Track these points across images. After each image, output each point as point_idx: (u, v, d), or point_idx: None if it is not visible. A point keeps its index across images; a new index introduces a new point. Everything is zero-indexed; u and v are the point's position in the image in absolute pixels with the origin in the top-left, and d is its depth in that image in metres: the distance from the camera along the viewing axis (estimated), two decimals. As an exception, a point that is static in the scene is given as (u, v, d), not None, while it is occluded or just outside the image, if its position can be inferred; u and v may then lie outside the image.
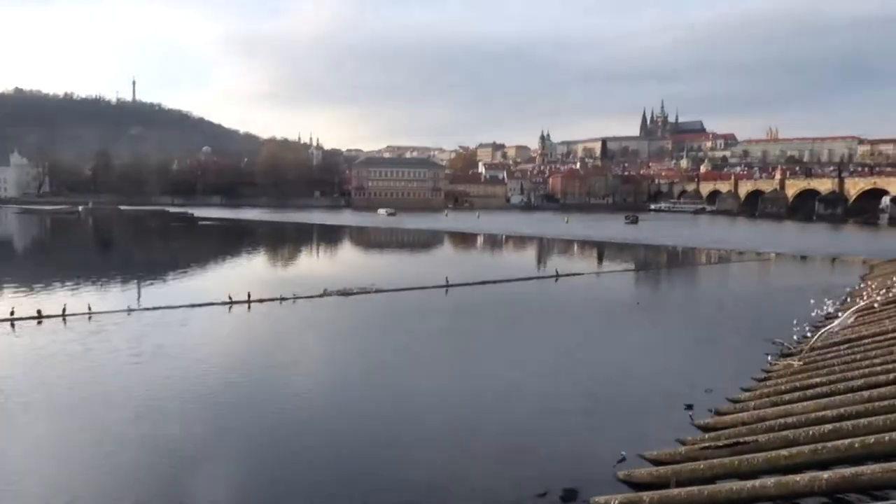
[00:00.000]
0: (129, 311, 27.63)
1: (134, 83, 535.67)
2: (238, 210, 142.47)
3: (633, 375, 19.21)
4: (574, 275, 43.45)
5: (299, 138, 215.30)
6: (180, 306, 28.98)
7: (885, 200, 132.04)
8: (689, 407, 15.73)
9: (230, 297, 30.31)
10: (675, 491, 10.45)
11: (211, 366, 19.34)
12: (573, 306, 32.41)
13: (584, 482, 11.46)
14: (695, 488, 10.29)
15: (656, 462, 12.51)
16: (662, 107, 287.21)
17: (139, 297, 31.94)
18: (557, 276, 42.18)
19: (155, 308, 28.27)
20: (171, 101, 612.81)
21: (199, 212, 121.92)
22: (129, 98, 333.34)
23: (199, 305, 29.50)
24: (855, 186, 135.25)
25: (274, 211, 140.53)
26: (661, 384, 18.01)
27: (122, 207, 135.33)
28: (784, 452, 10.73)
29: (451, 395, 17.11)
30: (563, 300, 34.99)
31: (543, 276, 42.83)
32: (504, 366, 20.06)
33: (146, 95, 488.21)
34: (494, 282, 38.64)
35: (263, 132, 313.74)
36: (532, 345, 23.26)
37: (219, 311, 29.05)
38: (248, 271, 45.85)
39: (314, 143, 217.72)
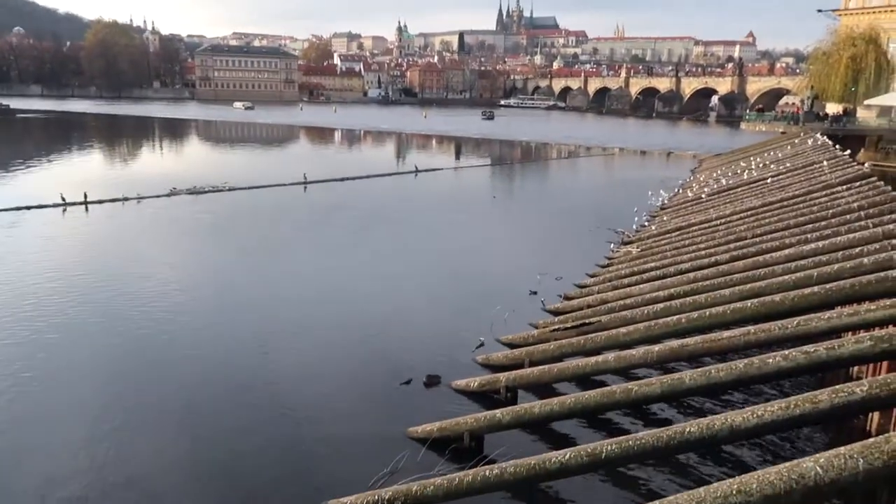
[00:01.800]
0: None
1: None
2: (64, 101, 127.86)
3: (489, 266, 20.10)
4: (433, 170, 43.87)
5: (131, 21, 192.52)
6: (4, 209, 26.11)
7: (714, 99, 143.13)
8: (535, 293, 16.76)
9: (63, 198, 27.65)
10: (528, 370, 11.30)
11: (43, 272, 17.81)
12: (432, 201, 32.89)
13: (445, 368, 12.05)
14: (545, 366, 11.17)
15: (511, 345, 13.40)
16: (518, 1, 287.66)
17: (-49, 200, 28.31)
18: (417, 171, 42.40)
19: (-27, 212, 25.29)
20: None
21: (16, 103, 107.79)
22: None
23: (28, 208, 26.72)
24: (689, 86, 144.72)
25: (107, 103, 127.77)
26: (515, 273, 19.01)
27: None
28: (623, 330, 11.83)
29: (309, 291, 17.04)
30: (422, 195, 35.41)
31: (403, 172, 42.86)
32: (364, 261, 20.19)
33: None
34: (354, 178, 38.16)
35: (87, 12, 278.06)
36: (391, 239, 23.49)
37: (51, 213, 26.50)
38: (83, 170, 41.72)
39: (149, 27, 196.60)
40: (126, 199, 29.39)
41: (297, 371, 12.04)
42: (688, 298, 12.60)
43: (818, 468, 5.66)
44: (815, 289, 10.25)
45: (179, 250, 21.80)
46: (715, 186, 29.23)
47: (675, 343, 10.28)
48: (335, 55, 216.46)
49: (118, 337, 13.48)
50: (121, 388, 11.18)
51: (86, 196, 28.28)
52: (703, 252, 16.89)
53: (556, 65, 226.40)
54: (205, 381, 11.49)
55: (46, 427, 9.84)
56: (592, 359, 10.88)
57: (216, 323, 14.48)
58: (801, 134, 38.03)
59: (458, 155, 61.02)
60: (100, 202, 28.50)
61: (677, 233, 21.15)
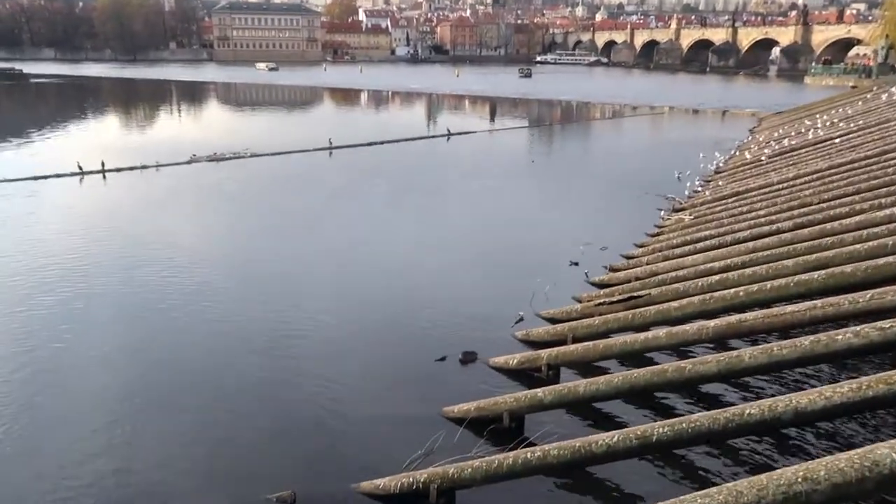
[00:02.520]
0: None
1: None
2: (78, 65, 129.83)
3: (529, 236, 19.96)
4: (466, 133, 43.61)
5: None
6: (20, 179, 26.74)
7: (775, 52, 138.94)
8: (577, 265, 16.63)
9: (80, 167, 28.21)
10: (571, 347, 11.22)
11: (64, 241, 18.24)
12: (465, 166, 32.70)
13: (482, 345, 12.04)
14: (590, 343, 11.07)
15: (553, 320, 13.32)
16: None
17: (-34, 169, 29.09)
18: (449, 134, 42.16)
19: (-12, 182, 25.96)
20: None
21: (29, 67, 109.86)
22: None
23: (45, 177, 27.33)
24: (747, 37, 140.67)
25: (123, 66, 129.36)
26: (556, 243, 18.85)
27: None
28: (675, 304, 11.66)
29: (337, 263, 17.16)
30: (456, 160, 35.23)
31: (434, 136, 42.68)
32: (395, 231, 20.24)
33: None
34: (382, 142, 38.14)
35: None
36: (423, 208, 23.49)
37: (69, 182, 27.08)
38: (100, 137, 42.52)
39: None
40: (144, 167, 29.86)
41: (325, 347, 12.16)
42: (746, 270, 12.36)
43: (894, 455, 5.51)
44: (891, 259, 9.94)
45: (201, 220, 22.11)
46: (776, 147, 28.49)
47: (732, 318, 10.09)
48: (360, 11, 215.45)
49: (142, 309, 13.76)
50: (144, 363, 11.43)
51: (103, 164, 28.80)
52: (762, 220, 16.54)
53: (599, 17, 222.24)
54: (230, 357, 11.69)
55: (68, 400, 10.12)
56: (641, 335, 10.74)
57: (241, 296, 14.67)
58: (874, 88, 36.75)
59: (493, 116, 60.49)
60: (118, 170, 29.01)
61: (734, 199, 20.72)
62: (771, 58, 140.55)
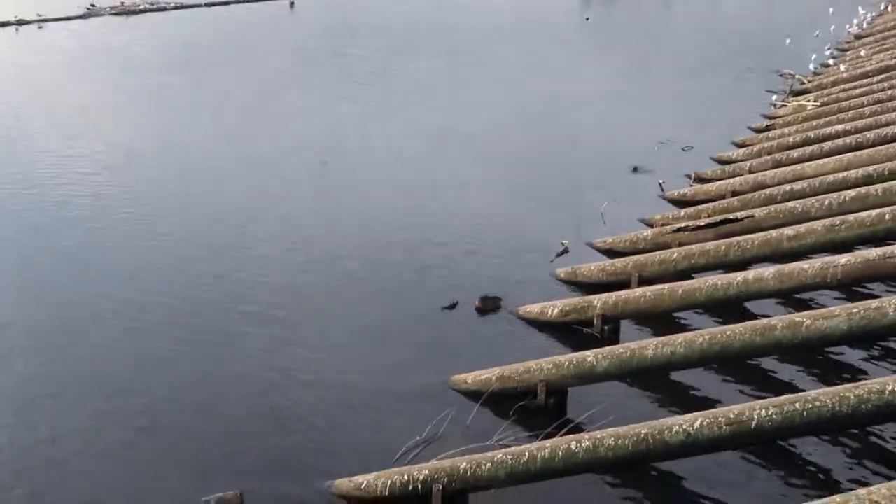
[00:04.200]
0: None
1: None
2: None
3: (576, 128, 19.73)
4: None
5: None
6: None
7: None
8: (644, 171, 16.48)
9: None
10: (637, 291, 11.15)
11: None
12: (492, 22, 32.16)
13: (509, 286, 12.09)
14: (665, 286, 10.97)
15: (612, 252, 13.26)
16: None
17: None
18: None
19: None
20: None
21: None
22: None
23: None
24: None
25: None
26: (616, 140, 18.69)
27: None
28: (789, 231, 11.48)
29: (307, 170, 17.20)
30: (478, 12, 34.57)
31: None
32: (389, 117, 20.11)
33: None
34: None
35: None
36: (430, 84, 23.27)
37: None
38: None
39: None
40: (22, 22, 29.46)
41: (287, 293, 12.18)
42: (896, 183, 12.19)
43: None
44: None
45: (105, 104, 21.90)
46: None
47: (872, 253, 9.95)
48: None
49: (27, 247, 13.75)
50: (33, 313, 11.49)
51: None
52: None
53: None
54: (155, 310, 11.68)
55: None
56: (739, 275, 10.63)
57: (164, 220, 14.63)
58: None
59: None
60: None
61: (883, 77, 20.29)
62: None
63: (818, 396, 7.37)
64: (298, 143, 18.48)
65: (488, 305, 11.67)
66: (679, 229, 13.07)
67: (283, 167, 17.11)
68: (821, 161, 15.00)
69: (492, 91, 22.91)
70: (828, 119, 18.08)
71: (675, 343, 9.20)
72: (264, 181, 16.32)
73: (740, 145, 18.18)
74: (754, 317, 10.44)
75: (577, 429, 8.53)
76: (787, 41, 25.57)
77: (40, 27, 29.40)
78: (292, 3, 34.20)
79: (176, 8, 33.01)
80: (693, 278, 11.40)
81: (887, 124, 15.83)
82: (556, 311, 11.27)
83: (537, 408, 9.23)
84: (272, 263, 12.89)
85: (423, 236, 13.89)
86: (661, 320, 10.97)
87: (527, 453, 7.72)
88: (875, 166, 13.48)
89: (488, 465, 7.73)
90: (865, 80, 20.49)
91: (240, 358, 10.44)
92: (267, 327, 11.06)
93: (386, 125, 19.64)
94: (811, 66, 23.87)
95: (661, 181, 15.96)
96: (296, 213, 14.78)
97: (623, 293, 11.25)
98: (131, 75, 24.14)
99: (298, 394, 9.77)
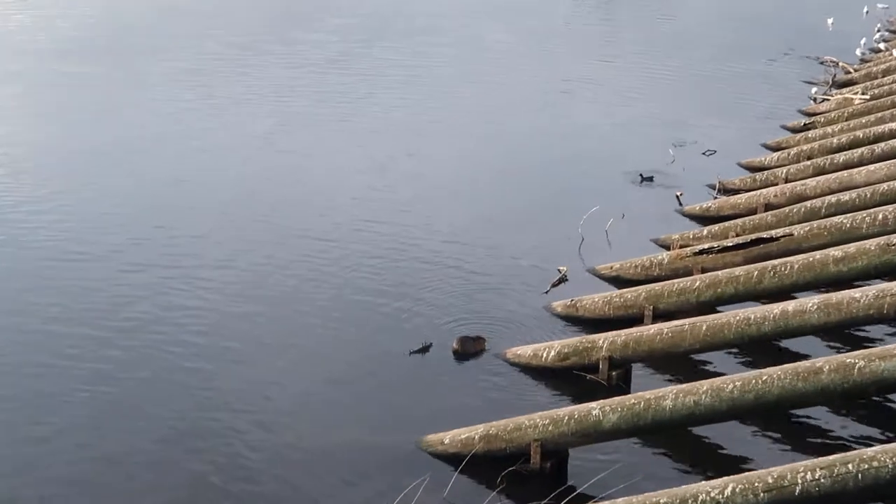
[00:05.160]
0: None
1: None
2: None
3: (580, 131, 19.95)
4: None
5: None
6: None
7: None
8: (648, 179, 16.64)
9: None
10: (651, 329, 11.14)
11: None
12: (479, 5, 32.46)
13: (495, 324, 12.20)
14: (685, 322, 10.97)
15: (619, 281, 13.31)
16: None
17: None
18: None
19: None
20: None
21: None
22: None
23: None
24: None
25: None
26: (624, 142, 18.85)
27: None
28: (836, 253, 11.52)
29: (245, 178, 17.20)
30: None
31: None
32: (356, 114, 20.30)
33: None
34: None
35: None
36: (397, 77, 23.73)
37: None
38: None
39: None
40: None
41: (223, 332, 12.12)
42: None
43: None
44: None
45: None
46: None
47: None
48: None
49: None
50: None
51: None
52: None
53: None
54: (64, 359, 11.60)
55: None
56: (776, 307, 10.64)
57: (83, 240, 14.59)
58: None
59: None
60: None
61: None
62: None
63: (876, 455, 7.36)
64: (241, 149, 18.50)
65: (469, 348, 11.64)
66: (701, 251, 13.11)
67: (223, 175, 17.13)
68: (872, 167, 15.06)
69: (474, 83, 23.08)
70: (880, 115, 18.15)
71: (699, 391, 9.18)
72: (197, 192, 16.33)
73: (774, 148, 18.29)
74: (796, 358, 10.44)
75: (580, 499, 8.50)
76: (830, 21, 25.72)
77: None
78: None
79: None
80: (719, 311, 11.42)
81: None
82: (552, 353, 11.25)
83: (531, 473, 9.19)
84: (209, 293, 12.84)
85: (390, 262, 13.89)
86: (681, 363, 11.02)
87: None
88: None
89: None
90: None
91: (164, 414, 10.35)
92: (194, 376, 10.99)
93: (349, 124, 19.71)
94: (859, 52, 24.13)
95: (678, 193, 16.03)
96: (233, 235, 14.74)
97: (634, 331, 11.25)
98: (29, 62, 24.22)
99: (235, 461, 9.67)
